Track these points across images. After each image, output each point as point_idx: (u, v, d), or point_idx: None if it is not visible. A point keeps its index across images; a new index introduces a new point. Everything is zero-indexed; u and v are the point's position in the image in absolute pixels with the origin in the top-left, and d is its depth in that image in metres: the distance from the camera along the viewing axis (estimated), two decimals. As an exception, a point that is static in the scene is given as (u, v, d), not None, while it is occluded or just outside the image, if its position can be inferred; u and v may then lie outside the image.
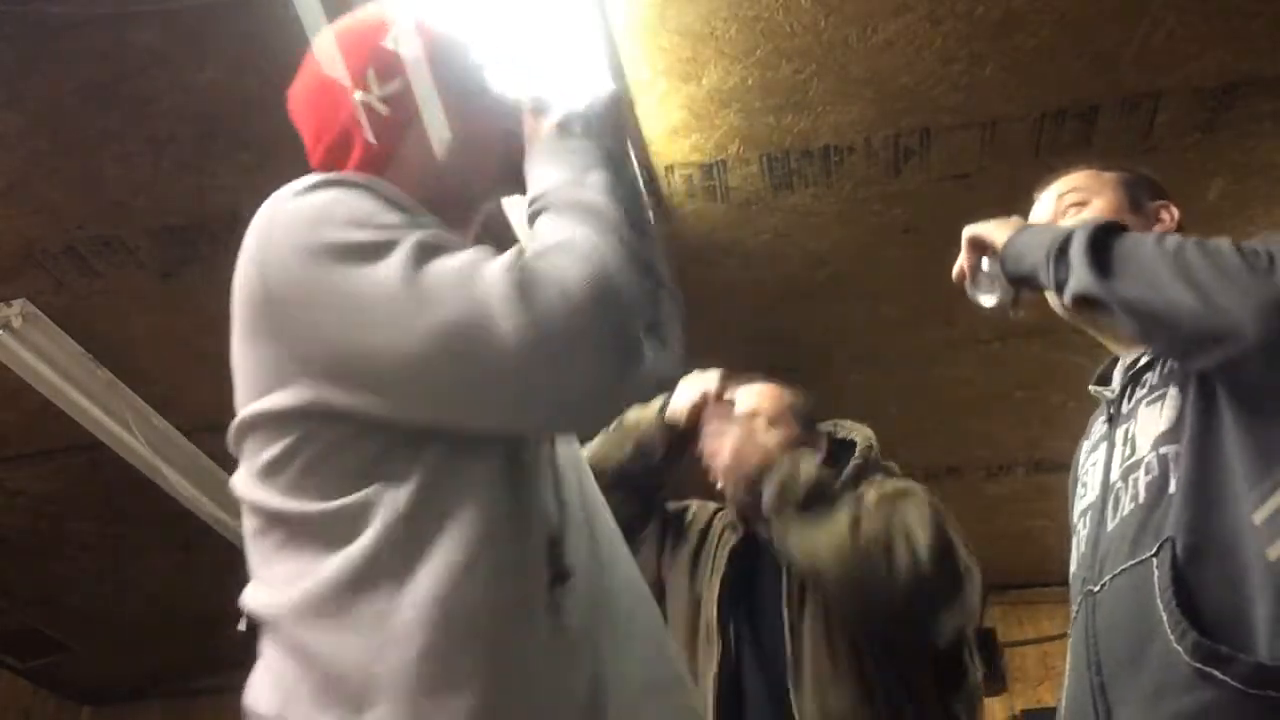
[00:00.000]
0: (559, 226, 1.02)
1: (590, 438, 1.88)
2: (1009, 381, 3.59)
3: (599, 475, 1.70)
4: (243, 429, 1.10)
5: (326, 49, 1.21)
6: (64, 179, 2.65)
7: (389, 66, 1.19)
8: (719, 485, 1.97)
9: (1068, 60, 2.48)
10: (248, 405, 1.08)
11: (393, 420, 0.98)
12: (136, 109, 2.47)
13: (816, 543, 1.78)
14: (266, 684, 0.99)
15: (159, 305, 3.05)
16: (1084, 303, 1.40)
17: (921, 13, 2.36)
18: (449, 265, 0.96)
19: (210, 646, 4.91)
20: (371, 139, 1.17)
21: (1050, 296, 1.65)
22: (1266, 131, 2.68)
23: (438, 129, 1.17)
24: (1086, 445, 1.66)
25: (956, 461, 4.01)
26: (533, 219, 1.07)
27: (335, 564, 0.96)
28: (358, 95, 1.18)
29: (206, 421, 3.48)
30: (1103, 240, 1.39)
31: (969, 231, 1.63)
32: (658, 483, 2.11)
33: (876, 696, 1.83)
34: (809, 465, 1.89)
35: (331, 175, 1.07)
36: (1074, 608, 1.52)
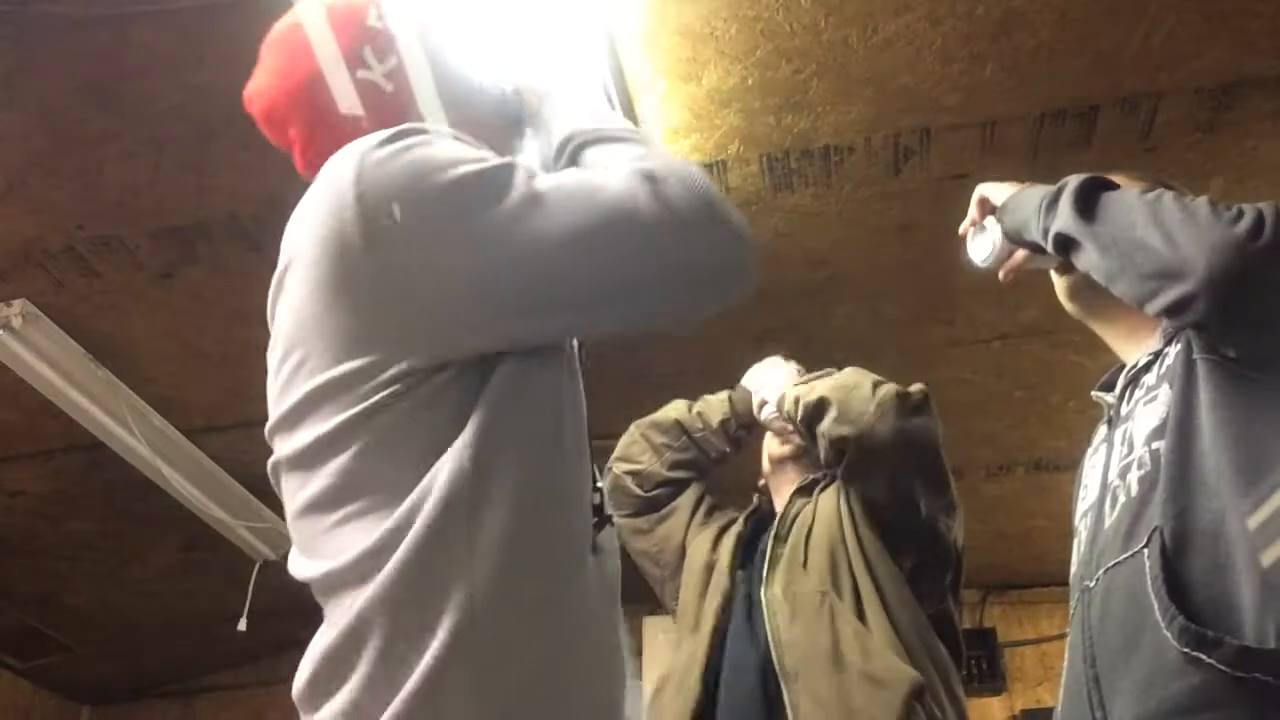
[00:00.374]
0: (619, 149, 1.08)
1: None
2: (1009, 381, 3.59)
3: (668, 429, 2.37)
4: (324, 390, 1.03)
5: (316, 34, 1.19)
6: (64, 179, 2.65)
7: (384, 43, 1.19)
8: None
9: (1068, 60, 2.48)
10: (328, 369, 1.02)
11: (548, 338, 1.04)
12: (136, 109, 2.47)
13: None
14: (342, 648, 0.98)
15: (159, 305, 3.05)
16: (1062, 244, 1.47)
17: (921, 13, 2.36)
18: (570, 178, 1.03)
19: (210, 646, 4.92)
20: (378, 116, 1.15)
21: (1056, 282, 1.66)
22: (1266, 131, 2.68)
23: (444, 95, 1.18)
24: (1089, 451, 1.67)
25: (956, 461, 3.97)
26: (575, 156, 1.12)
27: (415, 515, 0.97)
28: (360, 74, 1.17)
29: (206, 421, 3.49)
30: (1092, 189, 1.46)
31: (979, 190, 1.70)
32: (716, 458, 2.39)
33: (843, 589, 1.96)
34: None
35: (403, 126, 1.07)
36: (1072, 605, 1.53)
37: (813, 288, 3.18)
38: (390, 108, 1.17)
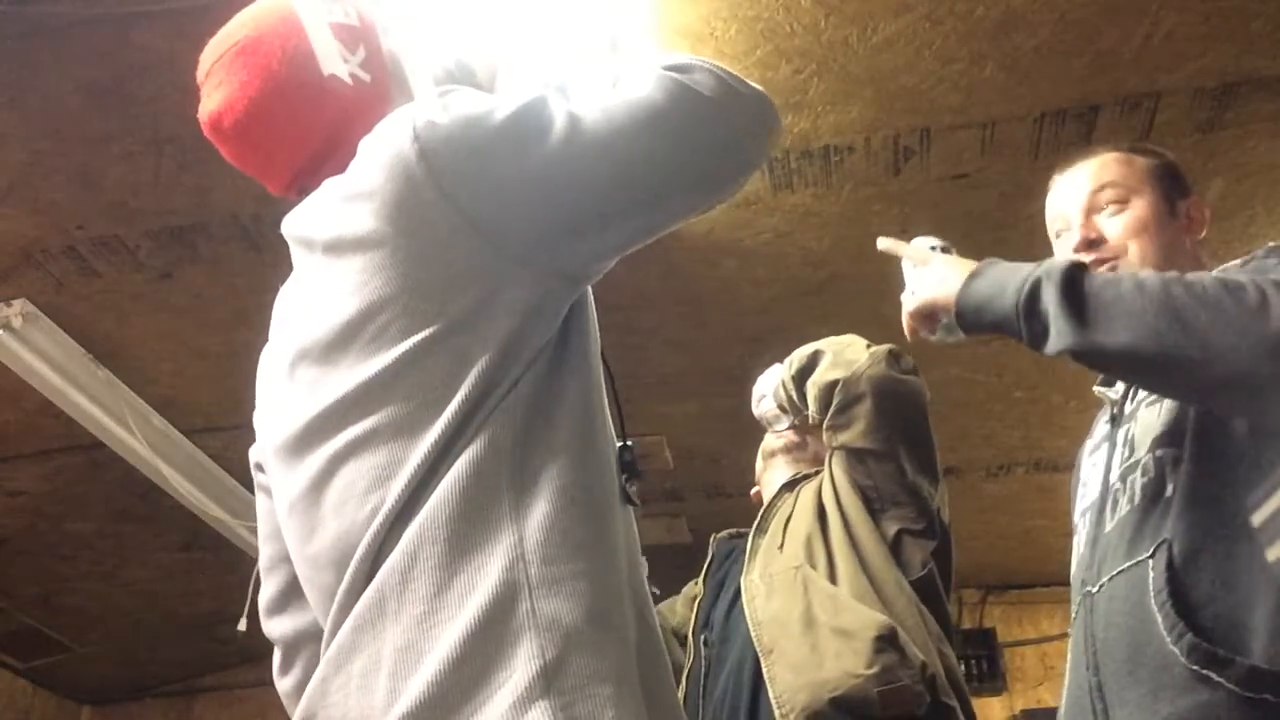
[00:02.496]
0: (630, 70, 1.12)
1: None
2: (1009, 381, 3.59)
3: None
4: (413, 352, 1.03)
5: (282, 50, 1.18)
6: (64, 179, 2.65)
7: (350, 35, 1.21)
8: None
9: (1068, 60, 2.48)
10: (407, 335, 1.02)
11: (629, 241, 1.09)
12: (136, 109, 2.47)
13: None
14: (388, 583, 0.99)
15: (159, 305, 3.05)
16: (1072, 357, 1.33)
17: (921, 13, 2.36)
18: (604, 94, 1.08)
19: (210, 646, 4.92)
20: (363, 106, 1.18)
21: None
22: (1266, 131, 2.68)
23: (423, 71, 1.21)
24: (1089, 445, 1.66)
25: (956, 461, 4.01)
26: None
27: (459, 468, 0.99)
28: (340, 68, 1.19)
29: (206, 421, 3.49)
30: (1075, 287, 1.30)
31: (910, 305, 1.47)
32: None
33: (816, 557, 2.01)
34: None
35: (443, 86, 1.13)
36: (1073, 608, 1.53)
37: (813, 288, 3.18)
38: (371, 96, 1.19)
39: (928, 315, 1.45)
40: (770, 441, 2.43)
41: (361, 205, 1.04)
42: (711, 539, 2.47)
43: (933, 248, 1.54)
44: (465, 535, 0.97)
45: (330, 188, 1.10)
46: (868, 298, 3.24)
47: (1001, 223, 2.88)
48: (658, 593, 1.68)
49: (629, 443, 1.17)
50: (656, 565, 2.59)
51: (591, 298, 1.18)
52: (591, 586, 0.98)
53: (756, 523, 2.22)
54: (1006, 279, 1.36)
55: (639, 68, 1.10)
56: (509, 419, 1.01)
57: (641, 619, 1.08)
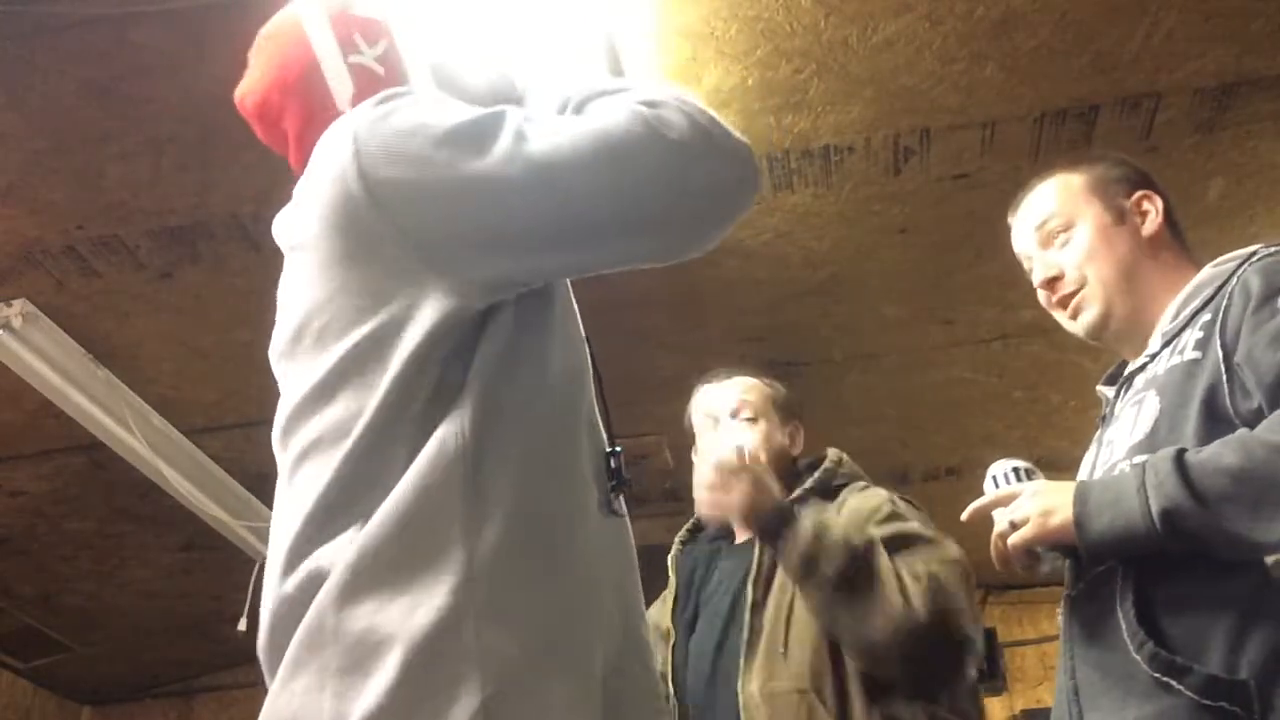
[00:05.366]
0: (619, 97, 1.07)
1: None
2: (1009, 381, 3.59)
3: None
4: (351, 356, 1.03)
5: (312, 24, 1.22)
6: (64, 179, 2.65)
7: (372, 29, 1.22)
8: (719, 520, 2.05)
9: (1068, 60, 2.48)
10: (343, 335, 1.03)
11: (564, 270, 1.06)
12: (136, 109, 2.47)
13: (868, 624, 1.78)
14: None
15: (159, 305, 3.05)
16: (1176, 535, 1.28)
17: (921, 13, 2.36)
18: (567, 119, 1.03)
19: (210, 646, 4.92)
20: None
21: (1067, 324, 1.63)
22: (1266, 131, 2.68)
23: (437, 77, 1.21)
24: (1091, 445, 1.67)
25: (956, 461, 4.01)
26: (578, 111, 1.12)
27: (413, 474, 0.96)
28: (352, 59, 1.20)
29: (206, 421, 3.49)
30: (1183, 471, 1.27)
31: (1016, 540, 1.43)
32: None
33: (824, 684, 1.84)
34: (832, 532, 1.83)
35: (389, 91, 1.09)
36: (1059, 610, 1.54)
37: (813, 288, 3.18)
38: (383, 90, 1.18)
39: (1031, 551, 1.43)
40: (731, 507, 2.07)
41: (309, 208, 1.07)
42: (670, 560, 2.23)
43: (1015, 469, 1.52)
44: (411, 551, 0.93)
45: (299, 187, 1.13)
46: (868, 298, 3.25)
47: (1001, 223, 2.88)
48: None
49: (617, 449, 1.12)
50: (656, 566, 2.56)
51: (565, 300, 1.15)
52: (546, 614, 0.94)
53: (749, 591, 1.95)
54: (1115, 497, 1.33)
55: (615, 95, 1.06)
56: (457, 429, 0.97)
57: (627, 648, 1.03)
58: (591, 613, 1.00)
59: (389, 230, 1.01)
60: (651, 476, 3.98)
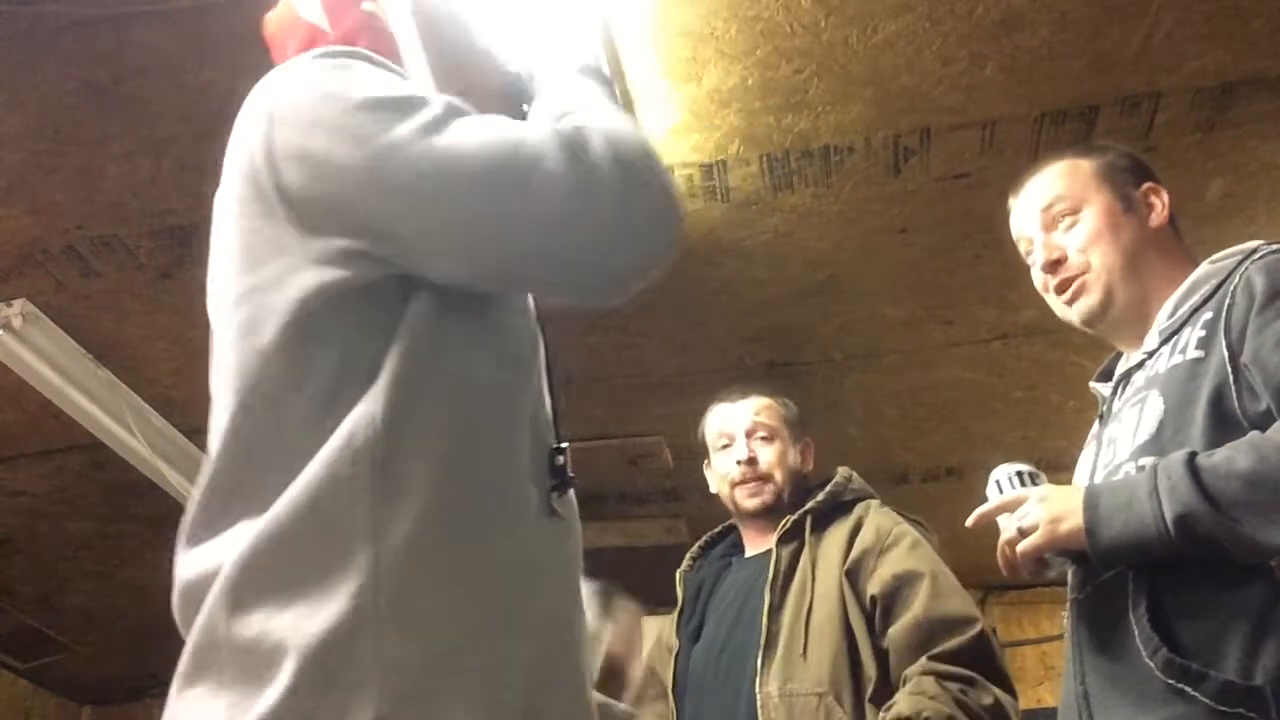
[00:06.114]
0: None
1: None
2: (1009, 381, 3.59)
3: None
4: (240, 299, 0.99)
5: None
6: (64, 179, 2.65)
7: None
8: None
9: (1068, 60, 2.48)
10: (243, 277, 0.99)
11: (419, 270, 0.96)
12: (136, 109, 2.47)
13: None
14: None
15: (159, 305, 3.05)
16: (1191, 535, 1.28)
17: (921, 13, 2.36)
18: (491, 120, 0.97)
19: (210, 646, 4.92)
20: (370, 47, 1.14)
21: (1060, 309, 1.63)
22: (1266, 131, 2.68)
23: (448, 62, 1.18)
24: (1086, 442, 1.66)
25: (956, 461, 4.01)
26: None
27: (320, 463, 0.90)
28: (366, 6, 1.19)
29: (206, 421, 3.47)
30: (1194, 473, 1.27)
31: (1026, 547, 1.42)
32: None
33: (842, 687, 1.89)
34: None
35: (334, 49, 1.05)
36: (1064, 612, 1.53)
37: (813, 288, 3.18)
38: (383, 44, 1.17)
39: (1040, 557, 1.43)
40: (745, 501, 2.21)
41: (231, 149, 1.07)
42: (678, 575, 2.30)
43: (1019, 473, 1.51)
44: (309, 551, 0.87)
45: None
46: (868, 298, 3.25)
47: (1001, 223, 2.87)
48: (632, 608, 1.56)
49: (562, 445, 1.05)
50: (656, 566, 2.57)
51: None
52: (458, 624, 0.88)
53: (767, 595, 2.03)
54: (1126, 501, 1.32)
55: (544, 111, 1.01)
56: (368, 418, 0.90)
57: (558, 664, 0.97)
58: (514, 624, 0.92)
59: (278, 197, 0.97)
60: (651, 476, 3.98)
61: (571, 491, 1.07)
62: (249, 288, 0.97)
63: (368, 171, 0.94)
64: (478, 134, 0.95)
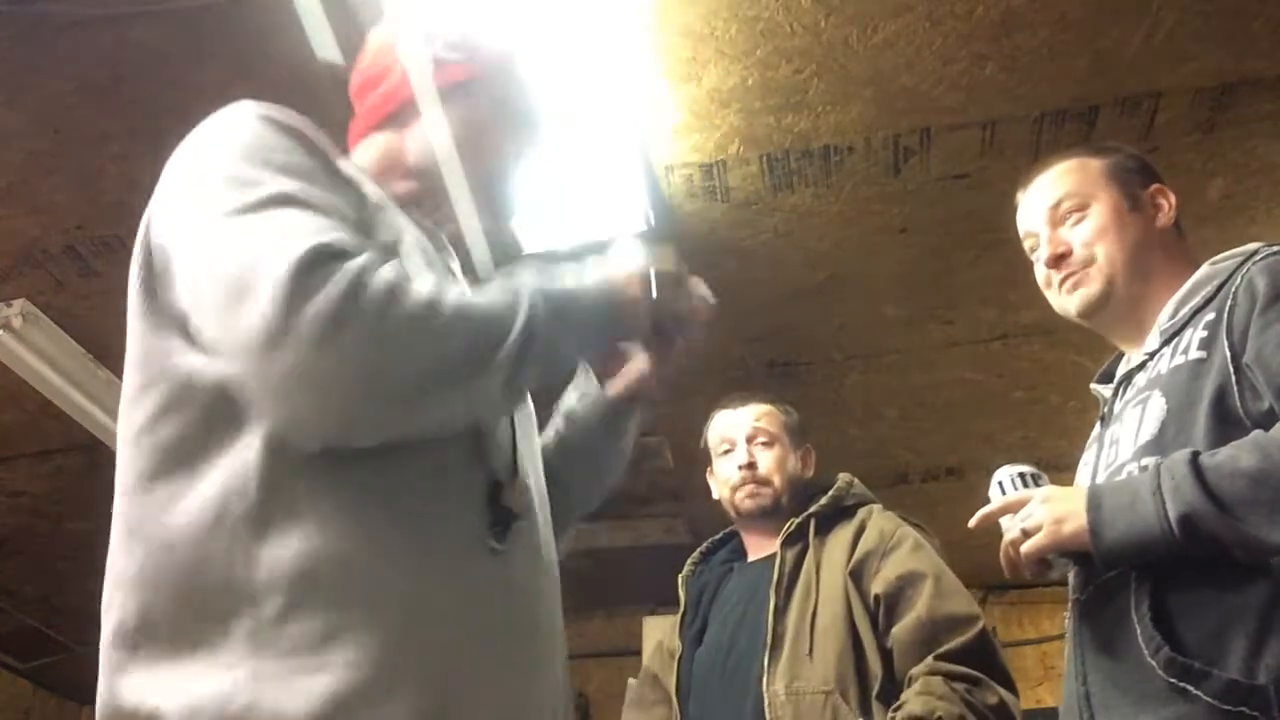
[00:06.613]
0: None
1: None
2: (1009, 381, 3.59)
3: None
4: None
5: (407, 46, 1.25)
6: (64, 179, 2.65)
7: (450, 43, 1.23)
8: None
9: (1068, 60, 2.48)
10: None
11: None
12: (136, 109, 2.47)
13: None
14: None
15: (159, 305, 3.05)
16: (1194, 534, 1.27)
17: (921, 13, 2.36)
18: (289, 216, 0.92)
19: (210, 646, 4.92)
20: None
21: (1058, 301, 1.63)
22: (1266, 131, 2.68)
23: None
24: (1088, 444, 1.66)
25: (956, 461, 4.01)
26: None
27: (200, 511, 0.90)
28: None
29: (206, 421, 3.48)
30: (1199, 474, 1.26)
31: (1029, 548, 1.41)
32: None
33: (848, 685, 1.91)
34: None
35: (264, 107, 1.07)
36: (1066, 611, 1.53)
37: (813, 288, 3.18)
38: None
39: (1043, 558, 1.42)
40: (744, 502, 2.21)
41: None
42: (680, 580, 2.32)
43: (1021, 474, 1.51)
44: (182, 620, 0.87)
45: None
46: (868, 298, 3.25)
47: (1001, 223, 2.87)
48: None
49: (500, 479, 0.99)
50: (655, 567, 2.57)
51: None
52: (341, 679, 0.83)
53: (772, 596, 2.04)
54: (1129, 502, 1.32)
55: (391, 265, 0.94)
56: (239, 482, 0.89)
57: (499, 705, 0.91)
58: (430, 677, 0.88)
59: (144, 242, 1.04)
60: (651, 477, 3.98)
61: (539, 518, 1.03)
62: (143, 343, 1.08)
63: (189, 233, 1.02)
64: (267, 233, 0.91)
